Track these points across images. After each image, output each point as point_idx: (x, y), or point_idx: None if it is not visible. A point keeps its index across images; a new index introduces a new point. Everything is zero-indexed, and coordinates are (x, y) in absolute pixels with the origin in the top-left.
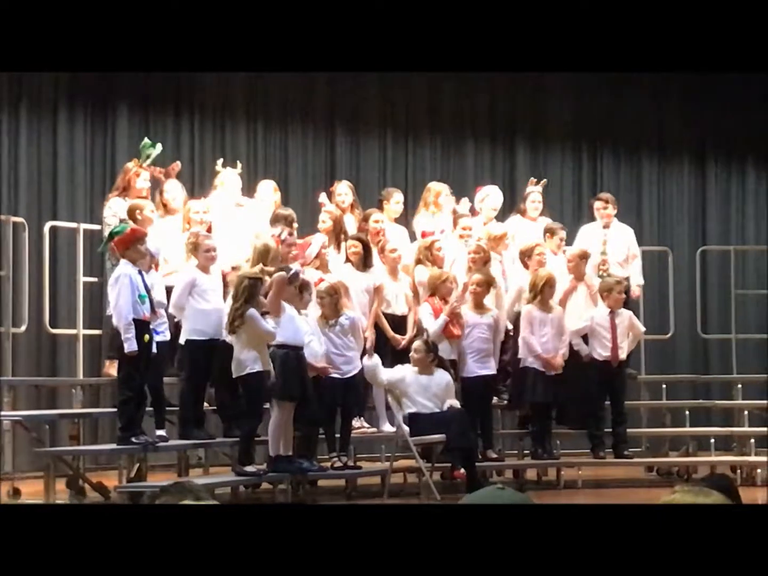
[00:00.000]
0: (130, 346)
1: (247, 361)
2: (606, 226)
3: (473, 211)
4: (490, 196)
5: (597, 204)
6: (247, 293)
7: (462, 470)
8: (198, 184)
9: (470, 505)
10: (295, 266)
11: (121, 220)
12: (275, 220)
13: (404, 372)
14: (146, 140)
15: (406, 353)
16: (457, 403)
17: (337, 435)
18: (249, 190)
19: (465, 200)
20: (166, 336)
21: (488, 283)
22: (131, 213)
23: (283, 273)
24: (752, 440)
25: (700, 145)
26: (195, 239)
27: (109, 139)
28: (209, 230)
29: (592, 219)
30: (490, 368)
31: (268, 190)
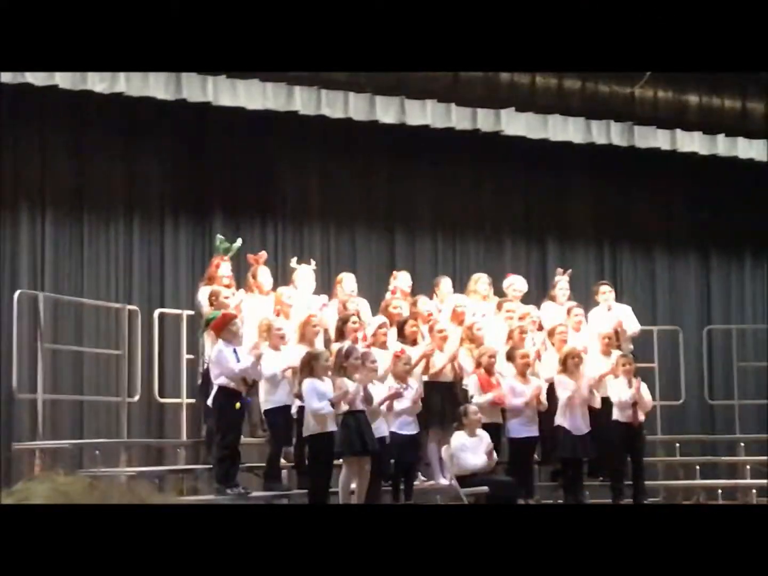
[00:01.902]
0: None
1: (309, 424)
2: (609, 309)
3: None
4: (514, 284)
5: (603, 289)
6: (308, 367)
7: None
8: (280, 279)
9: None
10: (348, 343)
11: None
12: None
13: (458, 437)
14: (219, 236)
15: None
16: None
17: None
18: (322, 282)
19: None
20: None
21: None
22: (210, 298)
23: (339, 347)
24: (754, 491)
25: (704, 239)
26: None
27: (206, 240)
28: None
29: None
30: (534, 430)
31: (309, 272)
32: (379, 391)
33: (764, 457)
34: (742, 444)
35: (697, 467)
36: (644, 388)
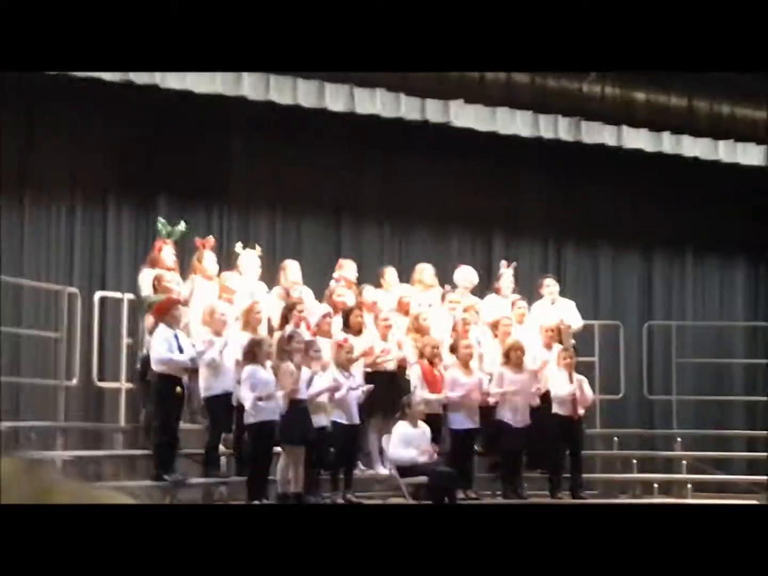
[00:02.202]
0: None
1: (249, 412)
2: (553, 302)
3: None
4: (465, 275)
5: (548, 282)
6: (250, 353)
7: None
8: (225, 264)
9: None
10: (290, 327)
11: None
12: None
13: (399, 427)
14: (161, 219)
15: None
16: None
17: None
18: (267, 269)
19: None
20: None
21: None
22: (153, 282)
23: (282, 334)
24: (689, 486)
25: (647, 237)
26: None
27: (150, 223)
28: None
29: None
30: (475, 422)
31: (253, 257)
32: (322, 381)
33: (700, 453)
34: (679, 439)
35: (635, 461)
36: (585, 382)
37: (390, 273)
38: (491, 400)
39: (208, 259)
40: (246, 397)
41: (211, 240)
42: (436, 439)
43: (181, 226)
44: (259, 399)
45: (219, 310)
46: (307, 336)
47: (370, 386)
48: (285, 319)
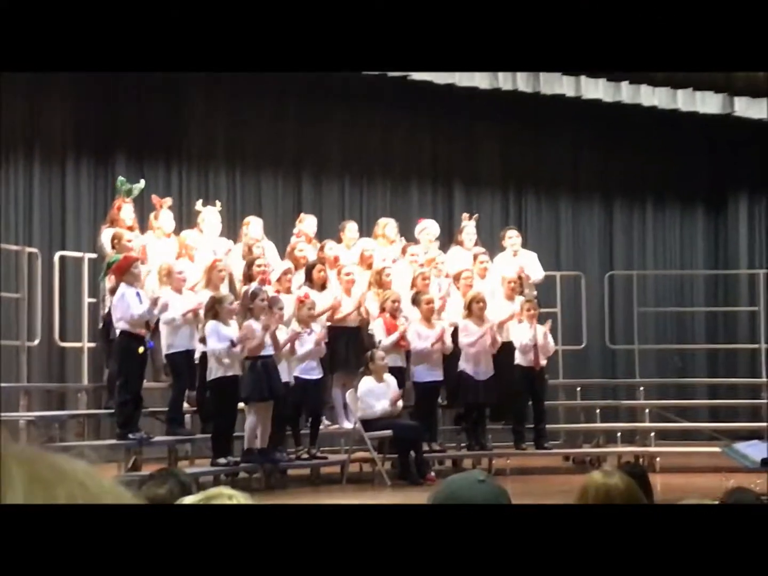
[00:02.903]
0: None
1: (212, 368)
2: (515, 254)
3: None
4: (428, 228)
5: (510, 234)
6: (212, 310)
7: (433, 474)
8: (185, 222)
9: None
10: (254, 284)
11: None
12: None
13: (365, 382)
14: (120, 178)
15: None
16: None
17: (303, 431)
18: (228, 226)
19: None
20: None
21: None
22: (112, 241)
23: (246, 290)
24: (652, 434)
25: (607, 187)
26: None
27: (109, 182)
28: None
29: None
30: (439, 375)
31: (214, 214)
32: (283, 336)
33: (663, 401)
34: (642, 388)
35: (598, 411)
36: (546, 333)
37: (350, 227)
38: (462, 345)
39: (165, 217)
40: (216, 347)
41: (168, 200)
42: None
43: (140, 183)
44: (233, 345)
45: (177, 268)
46: (270, 293)
47: (324, 335)
48: (247, 276)
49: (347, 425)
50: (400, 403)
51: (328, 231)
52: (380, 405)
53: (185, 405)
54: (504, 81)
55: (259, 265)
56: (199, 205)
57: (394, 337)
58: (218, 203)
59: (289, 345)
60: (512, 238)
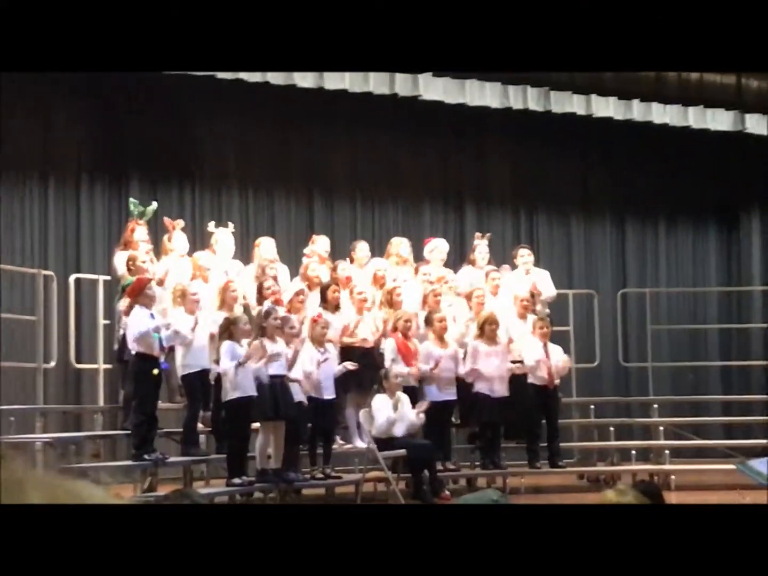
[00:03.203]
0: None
1: (226, 388)
2: (527, 272)
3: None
4: (439, 246)
5: (522, 252)
6: (227, 331)
7: (448, 493)
8: (198, 243)
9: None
10: (267, 303)
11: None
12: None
13: (378, 400)
14: (132, 200)
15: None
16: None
17: (318, 450)
18: (241, 247)
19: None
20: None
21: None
22: (126, 263)
23: (259, 309)
24: (667, 452)
25: (619, 205)
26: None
27: (123, 204)
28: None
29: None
30: (452, 394)
31: (227, 235)
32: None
33: (677, 419)
34: (656, 406)
35: (612, 429)
36: (559, 351)
37: (361, 247)
38: (467, 377)
39: (178, 239)
40: (228, 366)
41: (180, 222)
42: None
43: (153, 206)
44: (239, 364)
45: (191, 290)
46: (283, 312)
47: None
48: (259, 301)
49: (361, 445)
50: (422, 417)
51: (340, 251)
52: (395, 421)
53: (200, 425)
54: (515, 100)
55: (268, 288)
56: (211, 226)
57: (407, 371)
58: (231, 224)
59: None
60: (524, 256)
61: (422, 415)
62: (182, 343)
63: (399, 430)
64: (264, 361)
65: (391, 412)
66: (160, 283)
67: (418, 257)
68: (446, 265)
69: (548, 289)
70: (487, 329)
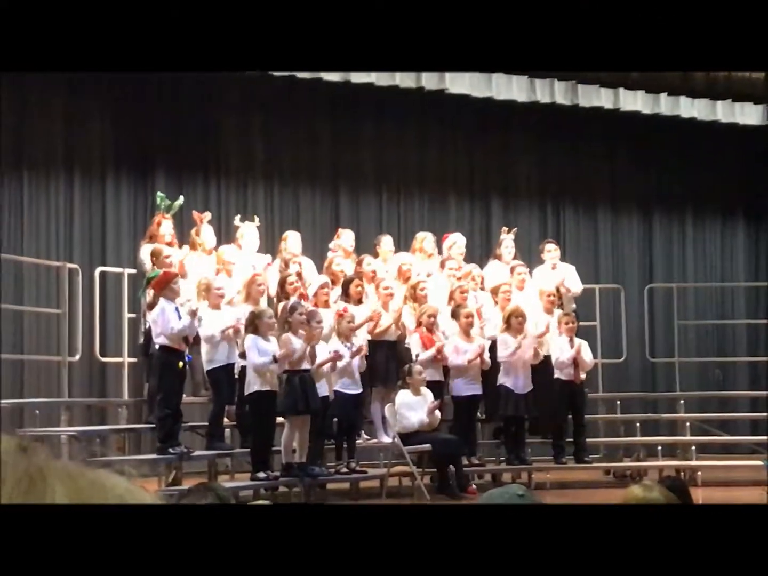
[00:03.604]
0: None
1: (250, 382)
2: (554, 267)
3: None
4: (457, 241)
5: (549, 247)
6: (252, 325)
7: (474, 487)
8: (224, 237)
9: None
10: (293, 299)
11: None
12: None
13: (402, 395)
14: (159, 193)
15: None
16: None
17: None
18: (266, 241)
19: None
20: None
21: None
22: (151, 257)
23: (284, 304)
24: (693, 447)
25: (646, 199)
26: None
27: (148, 198)
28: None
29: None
30: (477, 389)
31: (253, 229)
32: (323, 351)
33: (704, 414)
34: (682, 401)
35: (638, 424)
36: (585, 347)
37: (385, 241)
38: (502, 359)
39: (206, 233)
40: (257, 361)
41: (208, 215)
42: (439, 408)
43: (180, 200)
44: (275, 360)
45: (215, 285)
46: (309, 307)
47: (362, 347)
48: (284, 292)
49: (386, 439)
50: (437, 414)
51: (365, 245)
52: (417, 418)
53: (225, 420)
54: (542, 94)
55: (290, 283)
56: (237, 220)
57: (431, 352)
58: (256, 218)
59: (330, 364)
60: (551, 251)
61: (437, 413)
62: (210, 341)
63: (420, 424)
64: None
65: (423, 415)
66: (183, 276)
67: (444, 252)
68: (472, 260)
69: (575, 284)
70: (514, 322)
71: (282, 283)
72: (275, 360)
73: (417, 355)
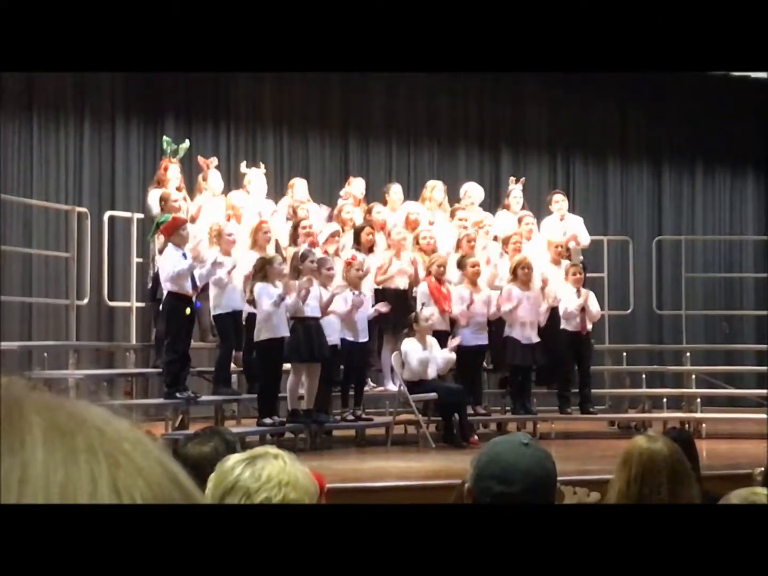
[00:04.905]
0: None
1: (260, 329)
2: (562, 218)
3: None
4: (468, 191)
5: (557, 198)
6: (261, 271)
7: (476, 437)
8: (233, 182)
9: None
10: (304, 246)
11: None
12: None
13: (408, 343)
14: (165, 138)
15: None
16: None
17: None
18: (276, 188)
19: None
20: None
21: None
22: (159, 202)
23: (295, 250)
24: (698, 400)
25: (656, 151)
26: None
27: (158, 143)
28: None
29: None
30: (483, 339)
31: (259, 176)
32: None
33: (710, 367)
34: (688, 354)
35: (644, 376)
36: (592, 297)
37: (394, 189)
38: (503, 314)
39: (213, 178)
40: (268, 308)
41: (214, 160)
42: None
43: (186, 144)
44: (282, 299)
45: (227, 230)
46: (319, 254)
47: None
48: (293, 238)
49: (392, 388)
50: (453, 356)
51: (375, 194)
52: (423, 366)
53: (232, 365)
54: None
55: (304, 227)
56: (243, 167)
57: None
58: (262, 165)
59: (346, 311)
60: (559, 202)
61: (453, 354)
62: (218, 284)
63: (430, 373)
64: (302, 294)
65: (421, 353)
66: (192, 220)
67: (453, 200)
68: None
69: (582, 236)
70: (520, 273)
71: (296, 226)
72: (282, 299)
73: (423, 304)
